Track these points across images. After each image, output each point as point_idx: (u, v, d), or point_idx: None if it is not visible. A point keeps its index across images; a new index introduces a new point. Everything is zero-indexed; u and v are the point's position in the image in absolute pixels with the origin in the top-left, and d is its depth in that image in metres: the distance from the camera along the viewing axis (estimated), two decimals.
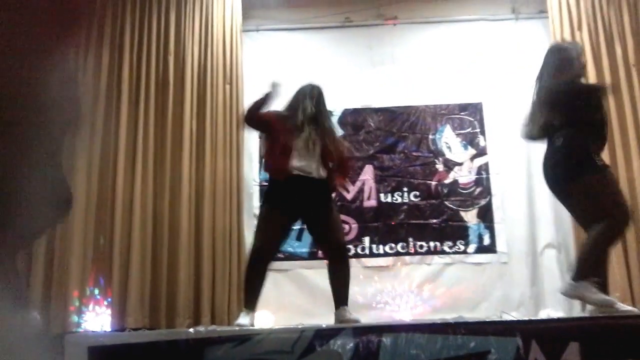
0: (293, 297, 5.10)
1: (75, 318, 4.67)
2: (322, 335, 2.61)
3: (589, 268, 3.24)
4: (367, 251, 5.36)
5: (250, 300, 3.52)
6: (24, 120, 0.44)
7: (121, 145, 5.10)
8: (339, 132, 5.49)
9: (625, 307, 3.21)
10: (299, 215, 3.67)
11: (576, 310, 4.87)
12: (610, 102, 5.22)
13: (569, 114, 3.37)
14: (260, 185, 5.39)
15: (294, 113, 3.70)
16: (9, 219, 0.43)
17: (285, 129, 3.62)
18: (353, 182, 5.50)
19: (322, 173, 3.61)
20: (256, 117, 3.66)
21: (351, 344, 2.57)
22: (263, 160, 4.50)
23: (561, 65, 3.54)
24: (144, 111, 5.24)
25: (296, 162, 3.55)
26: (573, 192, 3.36)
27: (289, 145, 3.57)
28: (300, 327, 3.00)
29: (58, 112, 0.44)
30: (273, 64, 5.66)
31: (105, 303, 4.79)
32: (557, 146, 3.40)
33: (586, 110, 3.38)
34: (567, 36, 5.44)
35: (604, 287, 3.28)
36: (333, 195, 3.79)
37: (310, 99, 3.74)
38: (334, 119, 5.52)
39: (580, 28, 5.47)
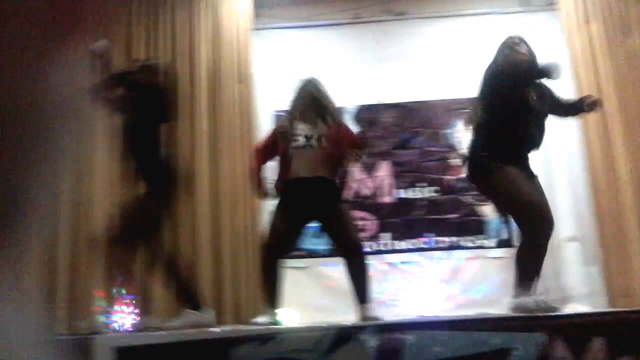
0: (315, 295, 5.10)
1: (101, 319, 4.72)
2: (345, 333, 2.62)
3: (527, 280, 3.24)
4: (387, 247, 5.38)
5: (269, 299, 3.55)
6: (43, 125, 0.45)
7: None
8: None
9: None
10: (309, 215, 3.67)
11: (601, 304, 4.86)
12: (623, 95, 5.20)
13: (484, 104, 3.41)
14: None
15: (288, 116, 3.75)
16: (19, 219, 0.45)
17: (282, 138, 3.65)
18: (371, 178, 5.51)
19: (329, 171, 3.61)
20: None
21: (374, 342, 2.59)
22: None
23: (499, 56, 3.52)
24: None
25: (298, 165, 3.57)
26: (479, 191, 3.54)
27: (286, 151, 3.59)
28: (323, 325, 3.02)
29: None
30: (284, 62, 5.66)
31: (130, 303, 4.82)
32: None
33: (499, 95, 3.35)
34: (578, 28, 5.42)
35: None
36: (343, 193, 3.78)
37: (299, 98, 3.75)
38: (348, 115, 5.54)
39: (591, 20, 5.44)
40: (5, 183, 0.41)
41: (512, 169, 3.27)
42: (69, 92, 0.45)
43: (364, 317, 3.39)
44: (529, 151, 3.45)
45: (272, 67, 5.67)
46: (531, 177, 3.40)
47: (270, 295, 3.55)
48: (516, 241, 5.26)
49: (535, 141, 3.44)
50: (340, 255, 3.69)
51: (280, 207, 3.66)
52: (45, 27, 0.42)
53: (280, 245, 3.63)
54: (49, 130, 0.44)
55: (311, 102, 3.71)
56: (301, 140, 3.59)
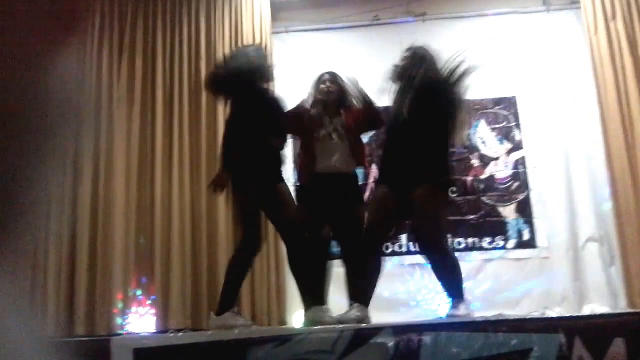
0: (332, 297, 5.09)
1: (119, 320, 4.79)
2: (362, 334, 2.62)
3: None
4: (404, 249, 5.33)
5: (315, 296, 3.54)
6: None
7: (158, 150, 5.20)
8: None
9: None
10: (331, 211, 3.61)
11: (622, 305, 4.78)
12: None
13: None
14: (296, 186, 5.41)
15: (310, 109, 3.73)
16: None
17: (308, 129, 3.62)
18: None
19: (350, 166, 3.58)
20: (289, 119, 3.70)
21: (391, 343, 2.57)
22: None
23: None
24: (178, 116, 5.32)
25: (321, 160, 3.53)
26: None
27: (311, 145, 3.57)
28: (340, 326, 3.01)
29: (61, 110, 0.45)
30: (303, 65, 5.67)
31: (148, 305, 4.88)
32: None
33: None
34: (601, 27, 5.34)
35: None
36: (363, 193, 3.77)
37: (315, 90, 3.73)
38: None
39: (614, 18, 5.36)
40: (6, 183, 0.42)
41: (382, 188, 3.48)
42: (70, 92, 0.46)
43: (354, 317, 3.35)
44: (403, 168, 3.38)
45: (292, 70, 5.68)
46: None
47: (315, 292, 3.54)
48: (538, 242, 5.23)
49: (404, 160, 3.39)
50: (342, 254, 3.71)
51: (306, 201, 3.62)
52: (46, 26, 0.42)
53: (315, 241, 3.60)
54: (50, 130, 0.44)
55: (334, 94, 3.70)
56: (330, 131, 3.58)
